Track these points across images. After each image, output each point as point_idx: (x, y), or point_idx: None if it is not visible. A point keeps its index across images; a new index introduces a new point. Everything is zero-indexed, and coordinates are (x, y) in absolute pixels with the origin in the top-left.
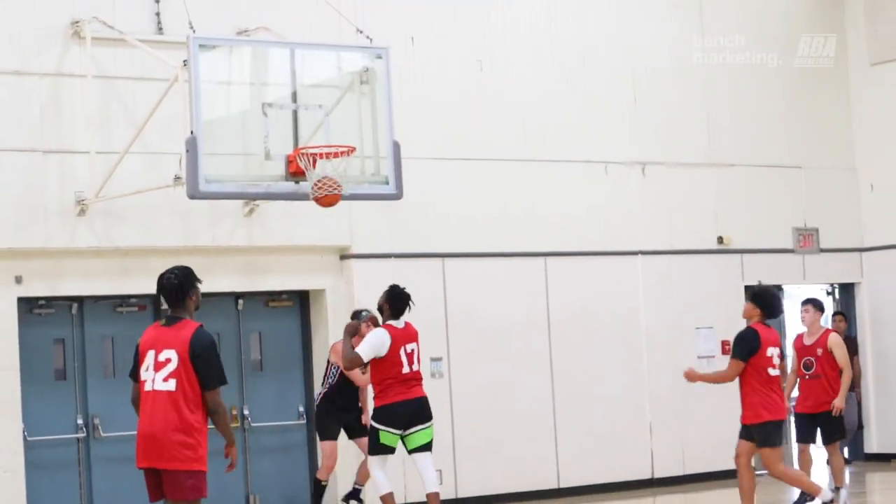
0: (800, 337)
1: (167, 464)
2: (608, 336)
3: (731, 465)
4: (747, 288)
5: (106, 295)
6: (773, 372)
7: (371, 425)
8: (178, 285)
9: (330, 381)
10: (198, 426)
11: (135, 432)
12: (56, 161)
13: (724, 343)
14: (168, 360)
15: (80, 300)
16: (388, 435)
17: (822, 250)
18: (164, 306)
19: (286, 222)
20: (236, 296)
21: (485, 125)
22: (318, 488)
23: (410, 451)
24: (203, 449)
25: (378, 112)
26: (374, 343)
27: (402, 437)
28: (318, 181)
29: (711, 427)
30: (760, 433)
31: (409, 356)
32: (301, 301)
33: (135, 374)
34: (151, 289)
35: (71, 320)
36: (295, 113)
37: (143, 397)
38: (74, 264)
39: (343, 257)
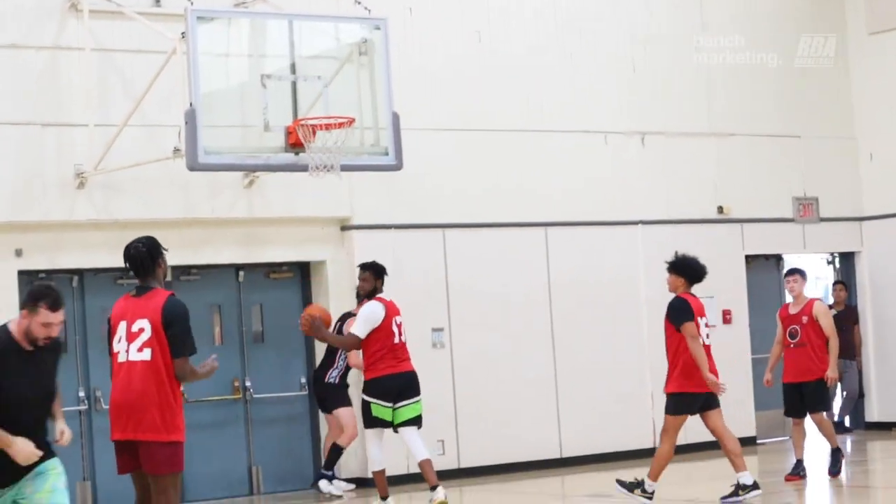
0: (785, 307)
1: (145, 435)
2: (609, 305)
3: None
4: (748, 258)
5: (106, 267)
6: (701, 342)
7: (363, 399)
8: (146, 253)
9: (342, 360)
10: (174, 396)
11: None
12: (54, 134)
13: (724, 312)
14: (141, 330)
15: (80, 273)
16: (379, 408)
17: (822, 219)
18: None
19: (286, 194)
20: (237, 267)
21: (484, 96)
22: (337, 453)
23: (397, 426)
24: (180, 419)
25: (377, 83)
26: (368, 317)
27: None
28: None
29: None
30: (674, 401)
31: (399, 327)
32: (302, 272)
33: (108, 348)
34: None
35: (71, 293)
36: (294, 84)
37: (117, 368)
38: (74, 237)
39: (344, 228)
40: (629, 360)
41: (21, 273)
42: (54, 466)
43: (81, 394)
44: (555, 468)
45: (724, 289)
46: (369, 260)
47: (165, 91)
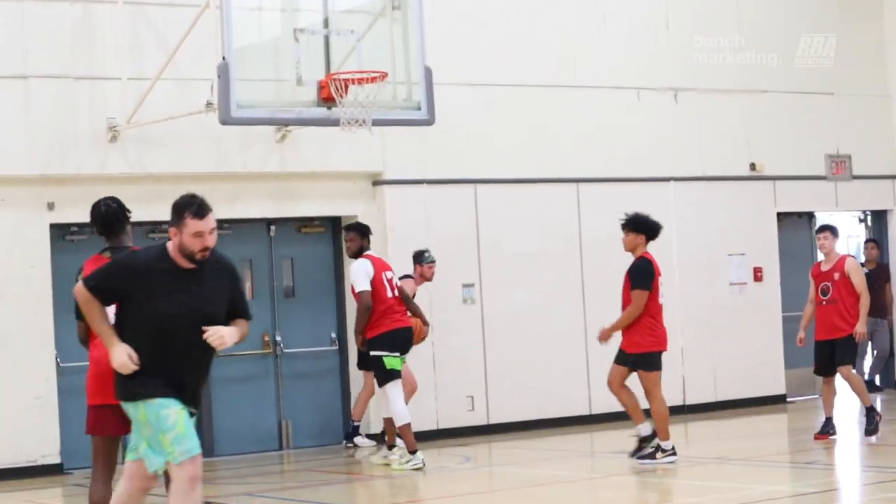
0: (817, 265)
1: None
2: None
3: (762, 392)
4: (780, 215)
5: (138, 221)
6: (660, 300)
7: (372, 356)
8: (118, 209)
9: None
10: None
11: None
12: (87, 87)
13: (755, 270)
14: None
15: None
16: (391, 359)
17: (855, 177)
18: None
19: (318, 148)
20: (268, 222)
21: (517, 51)
22: None
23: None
24: None
25: (410, 37)
26: (362, 272)
27: None
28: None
29: (742, 354)
30: (645, 361)
31: (390, 282)
32: (333, 227)
33: (80, 312)
34: None
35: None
36: (326, 38)
37: None
38: (106, 190)
39: (375, 183)
40: None
41: (53, 226)
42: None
43: None
44: (584, 425)
45: (755, 246)
46: (356, 222)
47: (198, 44)
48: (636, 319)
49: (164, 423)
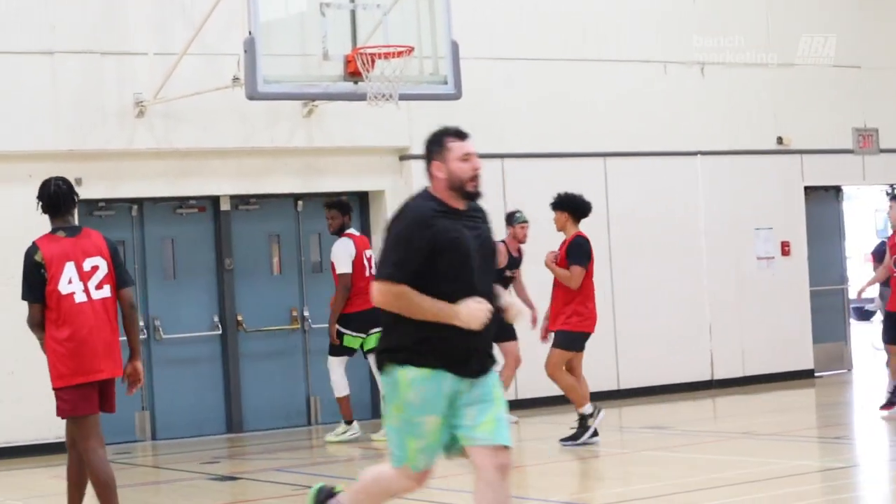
0: (893, 235)
1: (119, 371)
2: (667, 237)
3: (790, 367)
4: (807, 189)
5: (165, 196)
6: (592, 280)
7: (337, 329)
8: (68, 191)
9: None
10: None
11: (197, 334)
12: (114, 63)
13: (783, 244)
14: (96, 268)
15: (139, 202)
16: (351, 338)
17: (882, 150)
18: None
19: (345, 123)
20: (295, 197)
21: (544, 24)
22: None
23: (367, 352)
24: None
25: (436, 11)
26: (345, 252)
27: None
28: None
29: (770, 328)
30: (567, 338)
31: (369, 260)
32: (360, 202)
33: (38, 294)
34: (211, 190)
35: (131, 222)
36: (353, 13)
37: (75, 310)
38: (134, 166)
39: (402, 158)
40: (688, 293)
41: (80, 202)
42: (496, 388)
43: (140, 323)
44: (612, 400)
45: (782, 220)
46: (337, 199)
47: (225, 19)
48: (571, 299)
49: (417, 430)
